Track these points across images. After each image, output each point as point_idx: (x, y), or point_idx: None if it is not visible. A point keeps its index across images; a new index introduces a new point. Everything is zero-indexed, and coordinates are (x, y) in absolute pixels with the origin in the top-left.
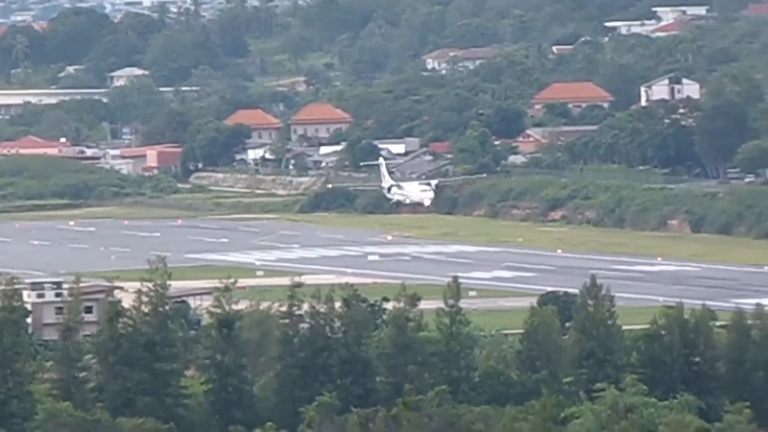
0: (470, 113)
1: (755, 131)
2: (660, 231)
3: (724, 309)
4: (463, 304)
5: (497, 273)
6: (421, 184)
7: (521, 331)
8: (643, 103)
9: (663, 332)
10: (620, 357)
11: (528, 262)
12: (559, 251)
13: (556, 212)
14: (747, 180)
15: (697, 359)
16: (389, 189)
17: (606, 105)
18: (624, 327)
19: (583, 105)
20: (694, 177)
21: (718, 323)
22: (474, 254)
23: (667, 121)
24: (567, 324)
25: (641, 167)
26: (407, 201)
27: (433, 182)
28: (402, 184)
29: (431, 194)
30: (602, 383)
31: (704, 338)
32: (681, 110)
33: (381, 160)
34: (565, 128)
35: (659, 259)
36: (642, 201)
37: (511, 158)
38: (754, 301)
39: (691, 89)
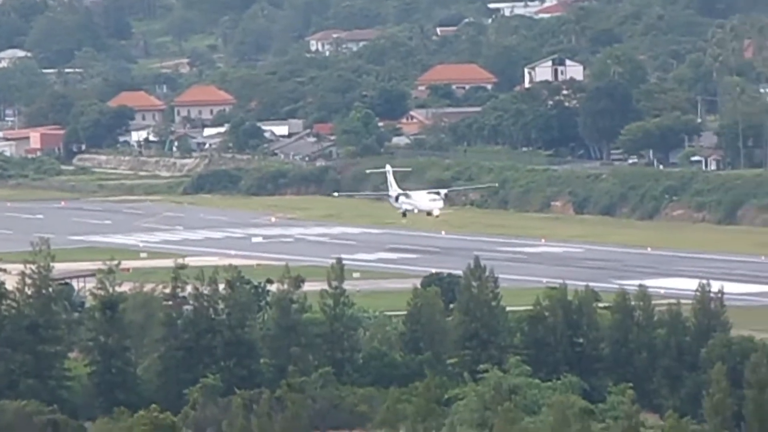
0: (354, 95)
1: (638, 112)
2: (543, 212)
3: (608, 290)
4: (347, 285)
5: (381, 255)
6: (429, 193)
7: (405, 312)
8: (527, 84)
9: (546, 313)
10: (504, 338)
11: (411, 244)
12: (442, 233)
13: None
14: (630, 161)
15: (581, 340)
16: (396, 198)
17: (489, 86)
18: (508, 308)
19: (467, 86)
20: (577, 158)
21: (601, 304)
22: (358, 236)
23: (550, 102)
24: (451, 305)
25: (525, 149)
26: (415, 211)
27: (443, 191)
28: (410, 193)
29: (440, 203)
30: (486, 364)
31: (587, 319)
32: (564, 92)
33: (388, 167)
34: (449, 110)
35: (543, 240)
36: (525, 182)
37: (395, 140)
38: (637, 282)
39: (574, 71)
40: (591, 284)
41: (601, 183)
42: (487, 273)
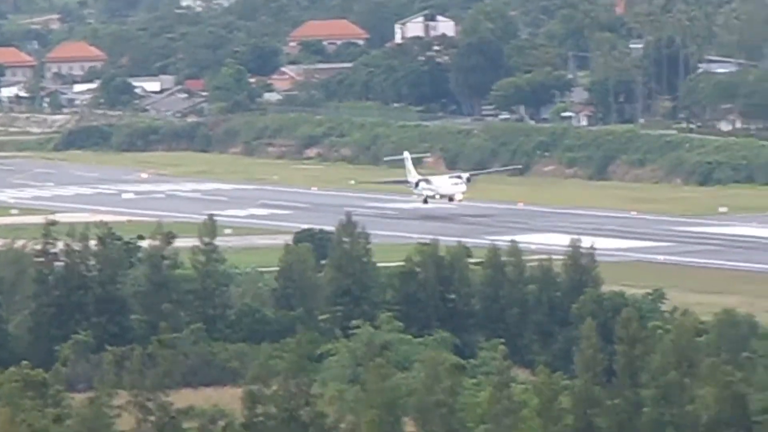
0: (225, 51)
1: (509, 68)
2: (415, 168)
3: (479, 246)
4: (219, 241)
5: (253, 211)
6: (451, 177)
7: (277, 268)
8: (398, 40)
9: (418, 270)
10: (375, 294)
11: (283, 200)
12: (314, 189)
13: (311, 150)
14: (501, 117)
15: (452, 296)
16: (416, 184)
17: (361, 42)
18: (379, 264)
19: (338, 42)
20: (448, 114)
21: (472, 260)
22: (229, 192)
23: (421, 58)
24: (322, 261)
25: (396, 104)
26: (437, 196)
27: (465, 175)
28: (430, 178)
29: (463, 187)
30: (357, 320)
31: (459, 275)
32: (436, 47)
33: (406, 154)
34: (321, 66)
35: (414, 196)
36: (397, 138)
37: (266, 96)
38: (508, 237)
39: (446, 26)
40: (462, 240)
41: (472, 139)
42: (358, 229)
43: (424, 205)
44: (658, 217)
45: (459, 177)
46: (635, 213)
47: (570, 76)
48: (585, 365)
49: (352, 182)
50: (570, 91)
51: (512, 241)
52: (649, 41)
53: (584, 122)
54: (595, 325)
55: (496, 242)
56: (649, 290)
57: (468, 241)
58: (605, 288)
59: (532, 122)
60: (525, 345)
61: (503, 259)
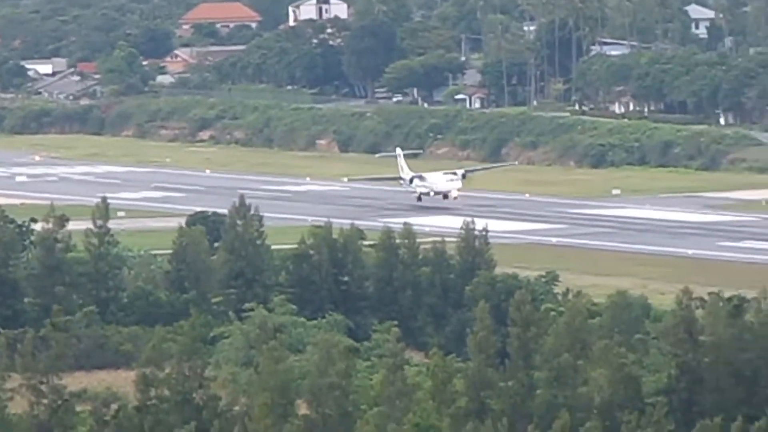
0: (118, 33)
1: (403, 51)
2: (308, 151)
3: (373, 228)
4: (112, 224)
5: (146, 193)
6: (446, 173)
7: (170, 251)
8: (291, 23)
9: (311, 252)
10: (269, 277)
11: (176, 183)
12: (207, 171)
13: (204, 132)
14: (395, 99)
15: (346, 279)
16: (410, 181)
17: (254, 25)
18: (273, 247)
19: (231, 25)
20: (342, 97)
21: (366, 242)
22: (122, 175)
23: (315, 41)
24: (216, 244)
25: (289, 87)
26: (431, 193)
27: (460, 171)
28: (425, 175)
29: (459, 184)
30: (251, 303)
31: (353, 258)
32: (329, 30)
33: (398, 151)
34: (213, 48)
35: (308, 179)
36: (290, 121)
37: (159, 78)
38: (402, 220)
39: (339, 9)
40: (356, 222)
41: (365, 121)
42: (252, 212)
43: (418, 202)
44: (551, 200)
45: (454, 173)
46: (528, 195)
47: (463, 58)
48: (478, 347)
49: (345, 179)
50: (463, 74)
51: (405, 224)
52: (542, 23)
53: (477, 105)
54: (489, 308)
55: (389, 224)
56: (543, 272)
57: (361, 223)
58: (498, 270)
59: (425, 105)
60: (418, 327)
61: (396, 241)
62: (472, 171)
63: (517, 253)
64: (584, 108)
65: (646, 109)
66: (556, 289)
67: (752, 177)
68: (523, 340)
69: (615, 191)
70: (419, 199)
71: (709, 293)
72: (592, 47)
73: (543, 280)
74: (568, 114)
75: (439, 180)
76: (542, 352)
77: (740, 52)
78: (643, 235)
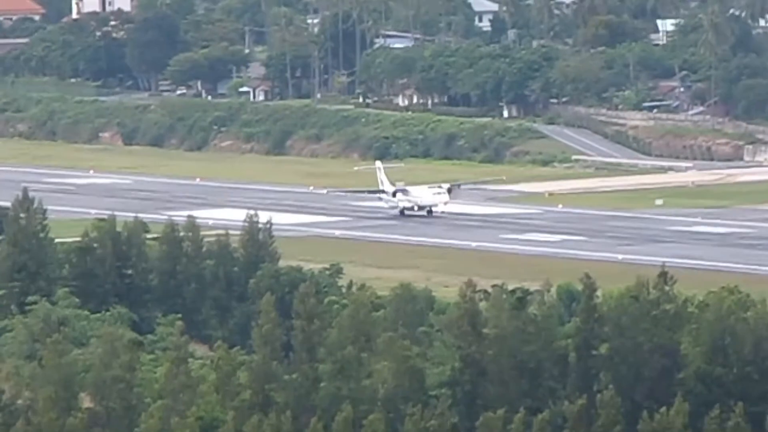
0: None
1: (186, 43)
2: (92, 143)
3: (157, 221)
4: None
5: None
6: (431, 187)
7: None
8: (75, 15)
9: (95, 245)
10: (52, 270)
11: None
12: None
13: None
14: (178, 92)
15: (130, 271)
16: (393, 194)
17: (37, 17)
18: (56, 240)
19: (14, 18)
20: (126, 89)
21: (150, 235)
22: None
23: (98, 33)
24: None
25: (73, 80)
26: (415, 208)
27: (445, 186)
28: (409, 188)
29: (445, 198)
30: (34, 296)
31: (136, 251)
32: (112, 23)
33: (378, 164)
34: None
35: (91, 171)
36: (74, 113)
37: None
38: (185, 213)
39: (122, 1)
40: (140, 215)
41: (149, 114)
42: (35, 205)
43: (401, 216)
44: (336, 192)
45: (440, 187)
46: (312, 188)
47: (247, 51)
48: (263, 340)
49: (324, 191)
50: (247, 66)
51: (189, 217)
52: (325, 16)
53: (261, 97)
54: (273, 300)
55: (173, 217)
56: (327, 265)
57: (145, 216)
58: (283, 263)
59: (209, 97)
60: (202, 320)
61: (180, 234)
62: (458, 185)
63: (301, 245)
64: (368, 101)
65: (429, 102)
66: (340, 282)
67: (535, 169)
68: (307, 332)
69: (399, 184)
70: (402, 213)
71: (493, 286)
72: (376, 40)
73: (327, 272)
74: (352, 107)
75: (423, 194)
76: (326, 344)
77: (523, 44)
78: (425, 227)
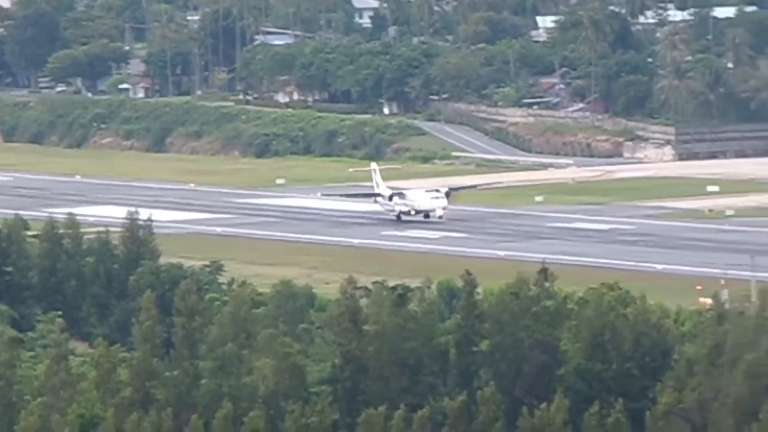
0: None
1: (66, 40)
2: None
3: (37, 218)
4: None
5: None
6: (429, 191)
7: None
8: None
9: None
10: None
11: None
12: None
13: None
14: (58, 89)
15: (9, 269)
16: (390, 198)
17: None
18: None
19: None
20: (5, 87)
21: (30, 233)
22: None
23: None
24: None
25: None
26: (412, 212)
27: (443, 189)
28: (405, 192)
29: (444, 202)
30: None
31: (17, 248)
32: None
33: (373, 165)
34: None
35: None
36: None
37: None
38: (66, 210)
39: None
40: (20, 213)
41: (29, 111)
42: None
43: (397, 220)
44: (216, 189)
45: (437, 191)
46: (193, 185)
47: (127, 48)
48: (143, 337)
49: (318, 195)
50: (127, 63)
51: (69, 214)
52: (206, 13)
53: (141, 94)
54: (153, 297)
55: (54, 215)
56: (207, 262)
57: (25, 213)
58: (163, 260)
59: (89, 94)
60: (83, 317)
61: (60, 231)
62: (456, 189)
63: (181, 242)
64: (248, 97)
65: (310, 99)
66: (221, 279)
67: (415, 166)
68: (187, 329)
69: (279, 181)
70: (398, 218)
71: (374, 282)
72: (256, 37)
73: (208, 269)
74: (232, 103)
75: (421, 198)
76: (207, 341)
77: (404, 41)
78: (308, 225)
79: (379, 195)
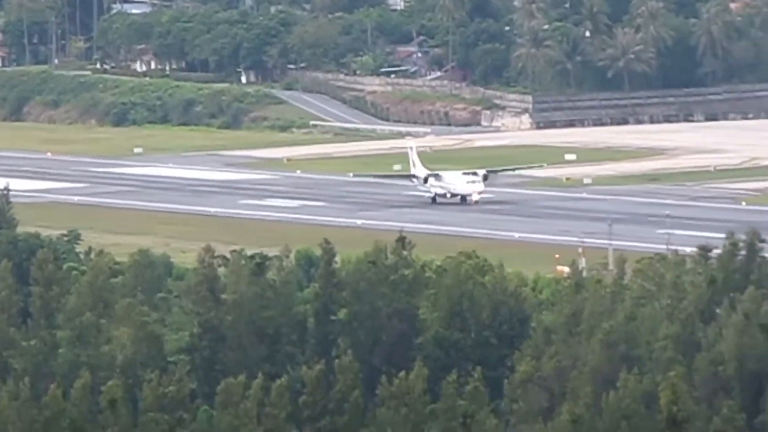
0: None
1: None
2: None
3: None
4: None
5: None
6: (465, 173)
7: None
8: None
9: None
10: None
11: None
12: None
13: None
14: None
15: None
16: (425, 180)
17: None
18: None
19: None
20: None
21: None
22: None
23: None
24: None
25: None
26: (448, 195)
27: (481, 172)
28: (441, 173)
29: (480, 186)
30: None
31: None
32: None
33: (411, 143)
34: None
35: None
36: None
37: None
38: None
39: None
40: None
41: None
42: None
43: (432, 203)
44: (74, 158)
45: (475, 174)
46: (50, 154)
47: None
48: (0, 307)
49: (351, 174)
50: None
51: None
52: None
53: None
54: (10, 267)
55: None
56: (65, 231)
57: None
58: (20, 229)
59: None
60: None
61: None
62: (495, 171)
63: (38, 212)
64: (106, 66)
65: (167, 68)
66: (79, 248)
67: (274, 135)
68: (45, 299)
69: (137, 150)
70: (434, 200)
71: (231, 251)
72: (114, 5)
73: (65, 239)
74: (89, 72)
75: (457, 180)
76: (65, 311)
77: (261, 10)
78: (165, 194)
79: (414, 176)
